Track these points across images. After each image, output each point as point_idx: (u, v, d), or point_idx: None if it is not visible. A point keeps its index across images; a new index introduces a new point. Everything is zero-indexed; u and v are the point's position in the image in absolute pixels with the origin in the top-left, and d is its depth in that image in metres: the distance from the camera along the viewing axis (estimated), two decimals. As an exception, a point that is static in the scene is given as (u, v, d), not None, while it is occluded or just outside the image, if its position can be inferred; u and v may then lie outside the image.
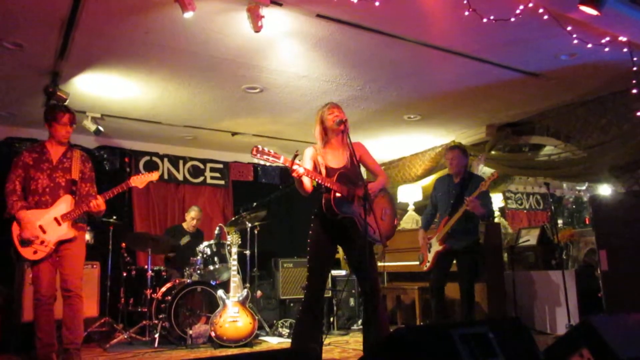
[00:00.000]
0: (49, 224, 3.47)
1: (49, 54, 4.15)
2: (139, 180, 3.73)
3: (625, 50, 4.13)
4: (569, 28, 3.80)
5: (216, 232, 5.69)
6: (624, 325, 2.22)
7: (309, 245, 3.33)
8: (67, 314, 3.48)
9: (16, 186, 3.52)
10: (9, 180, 3.53)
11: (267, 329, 5.53)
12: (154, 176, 3.83)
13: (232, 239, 5.00)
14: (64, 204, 3.54)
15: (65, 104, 4.71)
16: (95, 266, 5.31)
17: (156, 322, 4.93)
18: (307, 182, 3.28)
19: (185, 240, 5.91)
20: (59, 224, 3.49)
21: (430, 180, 7.10)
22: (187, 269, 5.43)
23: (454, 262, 4.46)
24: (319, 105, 3.50)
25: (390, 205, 3.57)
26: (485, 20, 3.57)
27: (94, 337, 5.11)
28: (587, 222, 7.39)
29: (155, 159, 6.90)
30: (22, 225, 3.42)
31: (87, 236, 4.89)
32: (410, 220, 7.01)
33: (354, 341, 5.03)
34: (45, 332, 3.45)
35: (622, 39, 4.02)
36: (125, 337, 4.85)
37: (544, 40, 4.08)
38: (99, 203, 3.52)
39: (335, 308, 6.04)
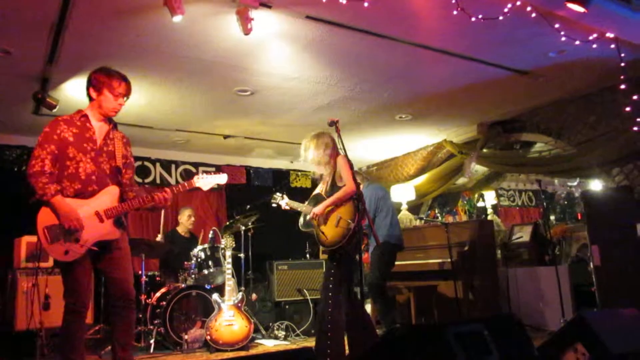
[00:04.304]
0: (89, 219, 2.73)
1: (38, 59, 4.12)
2: (203, 182, 3.05)
3: (612, 46, 4.17)
4: (556, 25, 3.83)
5: (210, 235, 5.67)
6: (617, 320, 2.23)
7: None
8: (123, 329, 2.80)
9: (45, 166, 2.71)
10: (36, 159, 2.71)
11: (263, 332, 5.51)
12: (222, 179, 3.12)
13: (226, 242, 4.99)
14: (108, 196, 2.82)
15: (55, 110, 4.69)
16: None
17: (151, 327, 4.91)
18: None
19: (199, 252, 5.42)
20: (101, 221, 2.76)
21: (423, 179, 7.11)
22: (181, 273, 5.41)
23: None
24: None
25: (351, 213, 3.43)
26: (473, 19, 3.59)
27: (89, 344, 5.07)
28: (579, 218, 7.44)
29: (147, 163, 6.88)
30: (61, 213, 2.65)
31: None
32: (404, 220, 7.01)
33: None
34: (79, 352, 2.72)
35: (610, 35, 4.06)
36: (120, 343, 4.81)
37: (532, 38, 4.11)
38: (167, 197, 2.87)
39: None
